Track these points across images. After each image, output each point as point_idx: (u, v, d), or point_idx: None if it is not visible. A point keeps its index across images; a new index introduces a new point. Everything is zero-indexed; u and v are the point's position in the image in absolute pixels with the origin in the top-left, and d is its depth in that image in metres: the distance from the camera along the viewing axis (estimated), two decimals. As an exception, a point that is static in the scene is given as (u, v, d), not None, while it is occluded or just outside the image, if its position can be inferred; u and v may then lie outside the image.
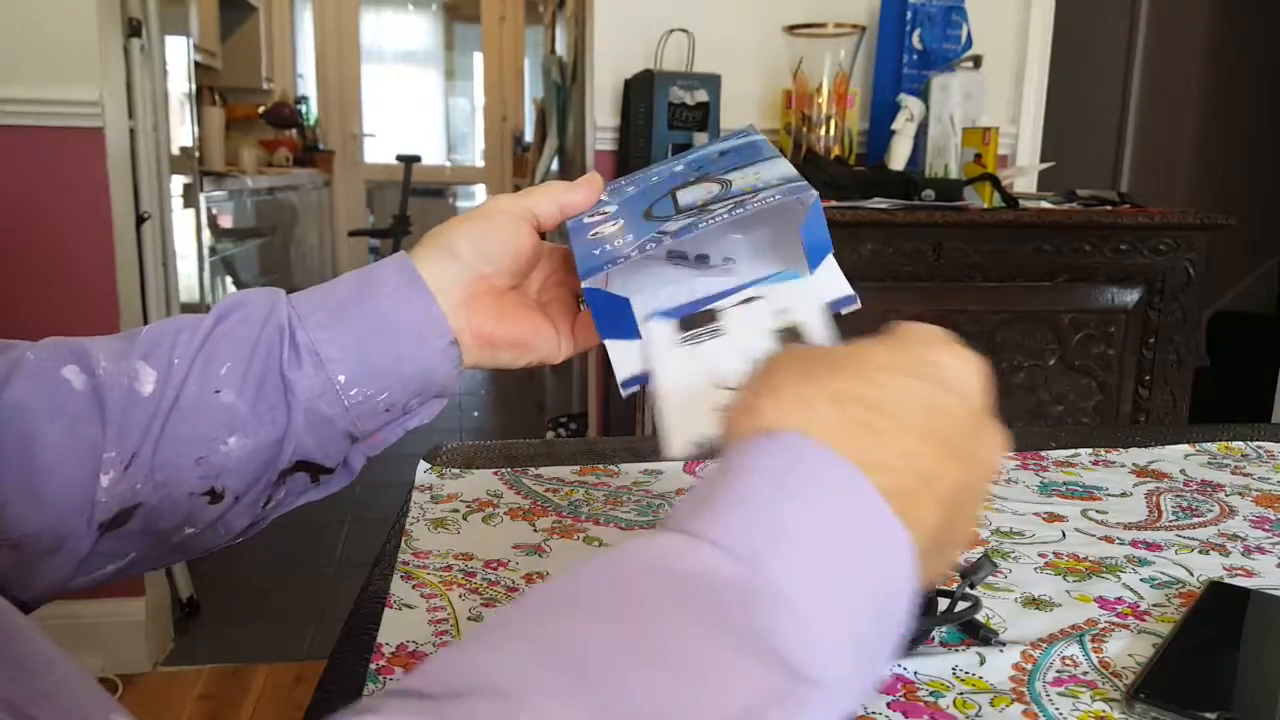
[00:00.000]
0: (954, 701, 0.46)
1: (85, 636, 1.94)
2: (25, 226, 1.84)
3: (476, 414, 4.24)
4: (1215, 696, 0.46)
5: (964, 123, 1.75)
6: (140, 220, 1.98)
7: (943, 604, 0.52)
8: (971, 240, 1.61)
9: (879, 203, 1.60)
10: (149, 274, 2.01)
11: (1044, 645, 0.51)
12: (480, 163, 6.48)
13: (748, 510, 0.30)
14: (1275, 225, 3.55)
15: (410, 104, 6.43)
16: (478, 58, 6.40)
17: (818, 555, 0.29)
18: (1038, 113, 2.19)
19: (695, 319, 0.47)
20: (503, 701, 0.24)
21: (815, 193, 0.45)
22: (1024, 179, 2.04)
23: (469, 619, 0.54)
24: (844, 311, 0.45)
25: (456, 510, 0.71)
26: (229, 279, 3.57)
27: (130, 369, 0.44)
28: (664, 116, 1.86)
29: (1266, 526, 0.70)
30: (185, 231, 2.74)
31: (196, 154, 2.89)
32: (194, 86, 2.90)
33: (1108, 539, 0.67)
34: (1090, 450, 0.88)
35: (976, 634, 0.52)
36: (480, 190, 6.52)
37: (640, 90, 1.92)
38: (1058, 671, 0.49)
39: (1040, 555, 0.64)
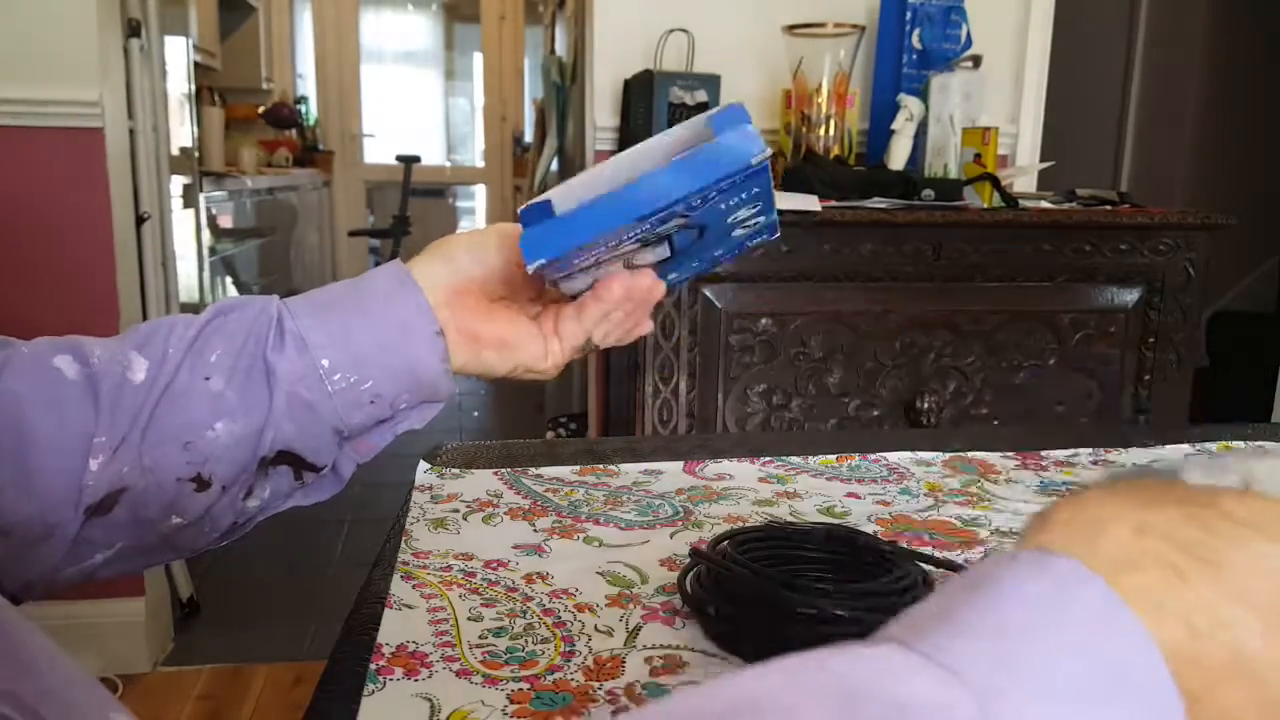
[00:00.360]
0: (953, 701, 0.46)
1: (85, 636, 1.94)
2: (25, 226, 1.84)
3: (476, 414, 4.24)
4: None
5: (964, 123, 1.75)
6: (140, 220, 1.98)
7: None
8: (971, 240, 1.61)
9: (879, 203, 1.61)
10: (149, 274, 2.01)
11: (1043, 645, 0.51)
12: (480, 163, 6.48)
13: (998, 641, 0.24)
14: (1275, 225, 3.55)
15: (410, 104, 6.43)
16: (477, 58, 6.40)
17: (1071, 712, 0.23)
18: (1037, 112, 2.19)
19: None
20: None
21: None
22: (1024, 179, 2.04)
23: (469, 619, 0.54)
24: (754, 161, 0.44)
25: (456, 510, 0.71)
26: (229, 279, 3.57)
27: (124, 358, 0.45)
28: (664, 117, 1.86)
29: (1266, 526, 0.70)
30: (185, 232, 2.74)
31: (196, 154, 2.89)
32: (193, 87, 2.90)
33: (1107, 539, 0.67)
34: (1090, 450, 0.88)
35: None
36: (480, 190, 6.52)
37: (640, 90, 1.92)
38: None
39: (1040, 555, 0.64)
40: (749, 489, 0.77)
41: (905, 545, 0.60)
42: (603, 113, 2.06)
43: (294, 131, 5.42)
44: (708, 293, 1.61)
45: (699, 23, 2.00)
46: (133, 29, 1.92)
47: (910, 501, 0.75)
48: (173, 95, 2.44)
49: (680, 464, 0.82)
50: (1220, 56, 3.56)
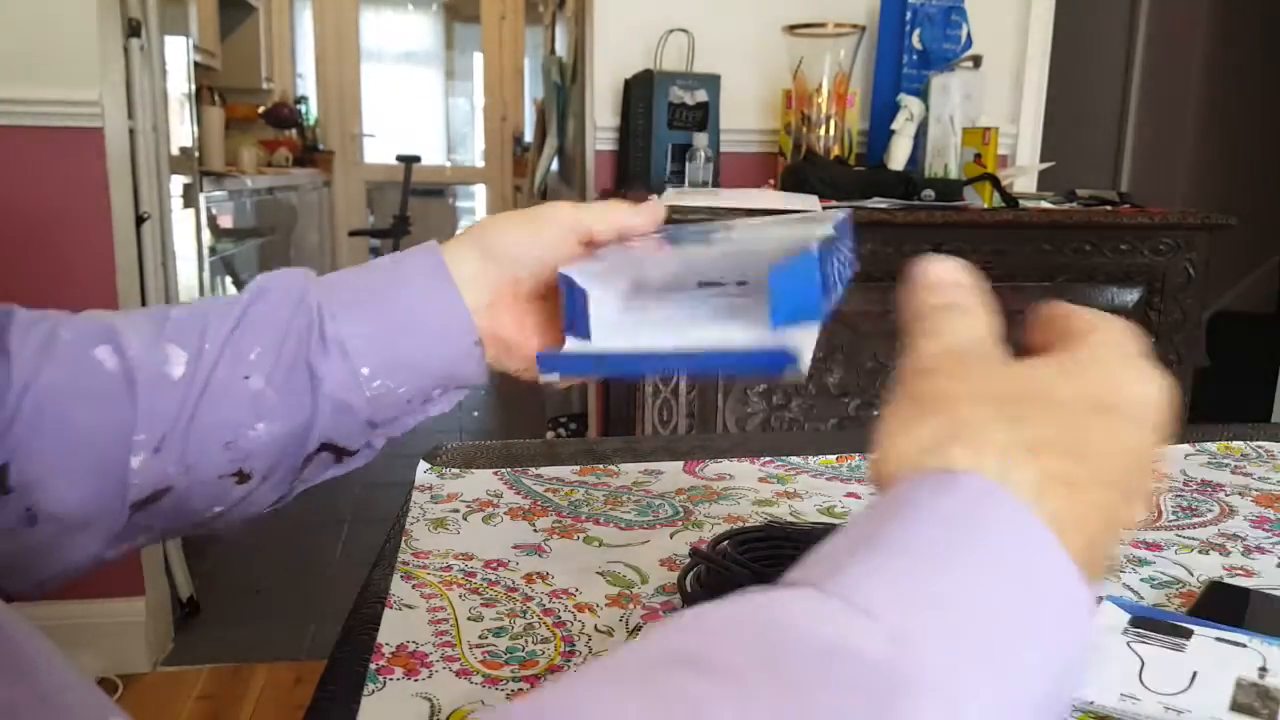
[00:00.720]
0: (954, 702, 0.46)
1: (85, 636, 1.94)
2: (25, 226, 1.84)
3: (476, 414, 4.24)
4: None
5: (964, 123, 1.75)
6: (140, 220, 1.98)
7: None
8: (971, 240, 1.61)
9: (879, 203, 1.60)
10: (148, 274, 2.00)
11: (1044, 645, 0.51)
12: (480, 163, 6.48)
13: (911, 574, 0.25)
14: (1275, 225, 3.55)
15: (410, 104, 6.43)
16: (478, 58, 6.40)
17: (987, 635, 0.25)
18: (1038, 113, 2.19)
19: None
20: None
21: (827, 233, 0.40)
22: (1024, 179, 2.04)
23: (469, 619, 0.54)
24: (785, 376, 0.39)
25: (456, 510, 0.71)
26: (229, 279, 3.57)
27: (160, 352, 0.45)
28: (664, 116, 1.86)
29: (1266, 526, 0.70)
30: (185, 232, 2.74)
31: (196, 154, 2.89)
32: (193, 86, 2.90)
33: (1108, 539, 0.67)
34: (1090, 450, 0.88)
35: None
36: (480, 190, 6.52)
37: (640, 90, 1.92)
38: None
39: (1040, 555, 0.64)
40: (749, 489, 0.77)
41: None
42: (603, 112, 2.06)
43: (294, 131, 5.42)
44: (708, 293, 1.61)
45: (699, 23, 2.00)
46: (133, 29, 1.92)
47: (910, 502, 0.75)
48: (173, 95, 2.44)
49: (680, 464, 0.82)
50: (1220, 56, 3.56)
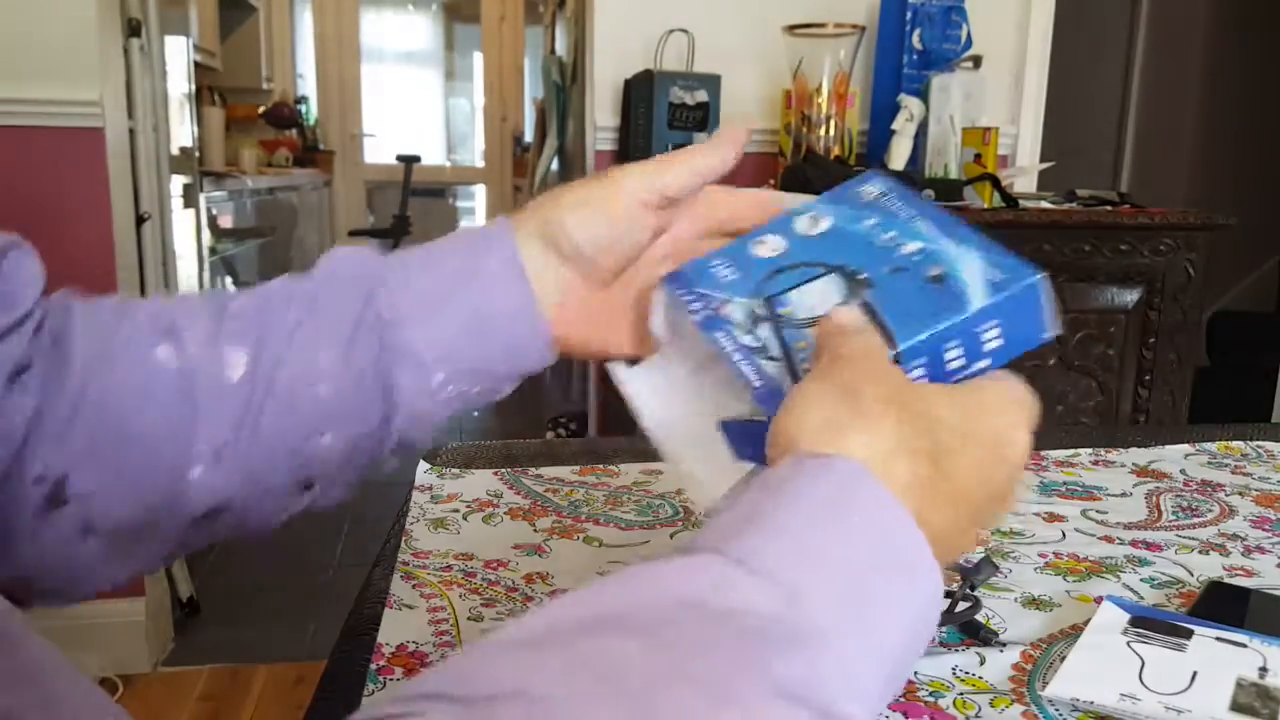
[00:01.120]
0: (954, 702, 0.46)
1: (85, 637, 1.94)
2: (25, 226, 1.83)
3: (476, 414, 4.24)
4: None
5: (964, 123, 1.75)
6: (140, 220, 1.98)
7: (943, 604, 0.52)
8: (971, 240, 1.61)
9: (879, 203, 1.60)
10: (149, 274, 2.00)
11: (1044, 645, 0.51)
12: (480, 163, 6.48)
13: (797, 540, 0.30)
14: (1275, 225, 3.55)
15: (410, 104, 6.43)
16: (477, 58, 6.40)
17: (862, 596, 0.29)
18: (1038, 113, 2.19)
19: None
20: (540, 708, 0.24)
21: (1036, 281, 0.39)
22: (1024, 179, 2.04)
23: (469, 619, 0.54)
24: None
25: (456, 510, 0.71)
26: (229, 279, 3.57)
27: (218, 353, 0.42)
28: (664, 116, 1.86)
29: (1266, 526, 0.70)
30: (185, 232, 2.74)
31: (196, 154, 2.89)
32: (194, 86, 2.90)
33: (1108, 539, 0.67)
34: (1090, 450, 0.88)
35: (977, 634, 0.52)
36: (480, 190, 6.51)
37: (640, 90, 1.92)
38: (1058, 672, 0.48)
39: (1040, 555, 0.64)
40: (749, 489, 0.77)
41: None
42: (603, 113, 2.06)
43: (294, 131, 5.42)
44: (708, 293, 1.61)
45: (699, 23, 2.00)
46: (133, 29, 1.92)
47: (911, 502, 0.75)
48: (173, 95, 2.44)
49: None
50: (1221, 57, 3.56)
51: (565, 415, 2.69)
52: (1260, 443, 0.90)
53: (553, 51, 3.59)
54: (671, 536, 0.67)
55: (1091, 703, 0.44)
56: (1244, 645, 0.47)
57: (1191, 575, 0.61)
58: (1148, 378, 1.73)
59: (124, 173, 1.91)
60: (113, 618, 1.98)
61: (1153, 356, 1.72)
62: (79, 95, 1.80)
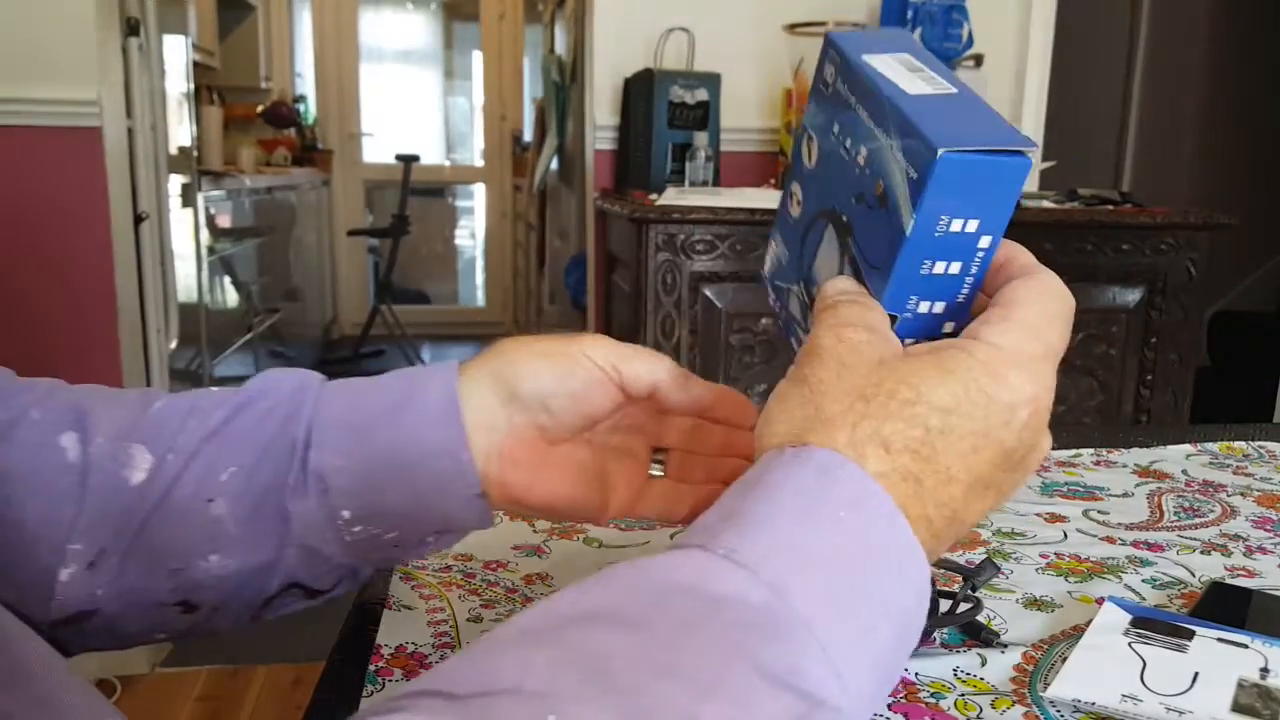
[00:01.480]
0: (955, 703, 0.45)
1: (84, 636, 1.94)
2: (23, 226, 1.84)
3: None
4: (1219, 698, 0.46)
5: (964, 122, 1.75)
6: (138, 220, 1.97)
7: (944, 605, 0.52)
8: (972, 240, 1.61)
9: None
10: (147, 274, 2.00)
11: (1045, 646, 0.51)
12: (479, 162, 6.48)
13: (779, 533, 0.30)
14: (1276, 225, 3.55)
15: (409, 103, 6.43)
16: (477, 57, 6.39)
17: (847, 586, 0.29)
18: (1039, 112, 2.19)
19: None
20: (531, 703, 0.24)
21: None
22: (1024, 178, 2.04)
23: (468, 620, 0.54)
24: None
25: (456, 511, 0.71)
26: (227, 279, 3.57)
27: (125, 451, 0.40)
28: (664, 116, 1.85)
29: (1268, 527, 0.69)
30: (183, 231, 2.74)
31: (195, 153, 2.88)
32: (192, 86, 2.89)
33: (1109, 539, 0.67)
34: (1092, 451, 0.88)
35: (978, 635, 0.51)
36: (479, 190, 6.51)
37: (640, 89, 1.92)
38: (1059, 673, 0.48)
39: (1042, 556, 0.63)
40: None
41: (907, 546, 0.60)
42: (603, 112, 2.06)
43: (293, 131, 5.41)
44: (708, 293, 1.61)
45: (699, 21, 1.99)
46: (131, 28, 1.92)
47: (911, 502, 0.74)
48: (171, 94, 2.43)
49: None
50: (1223, 56, 3.56)
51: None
52: (1262, 443, 0.90)
53: (552, 50, 3.59)
54: (671, 537, 0.67)
55: (1093, 704, 0.43)
56: (1245, 646, 0.47)
57: (1193, 576, 0.61)
58: (1149, 378, 1.73)
59: (122, 172, 1.91)
60: (112, 617, 1.98)
61: (1154, 356, 1.72)
62: (77, 94, 1.80)
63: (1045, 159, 2.18)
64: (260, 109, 5.21)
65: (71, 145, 1.82)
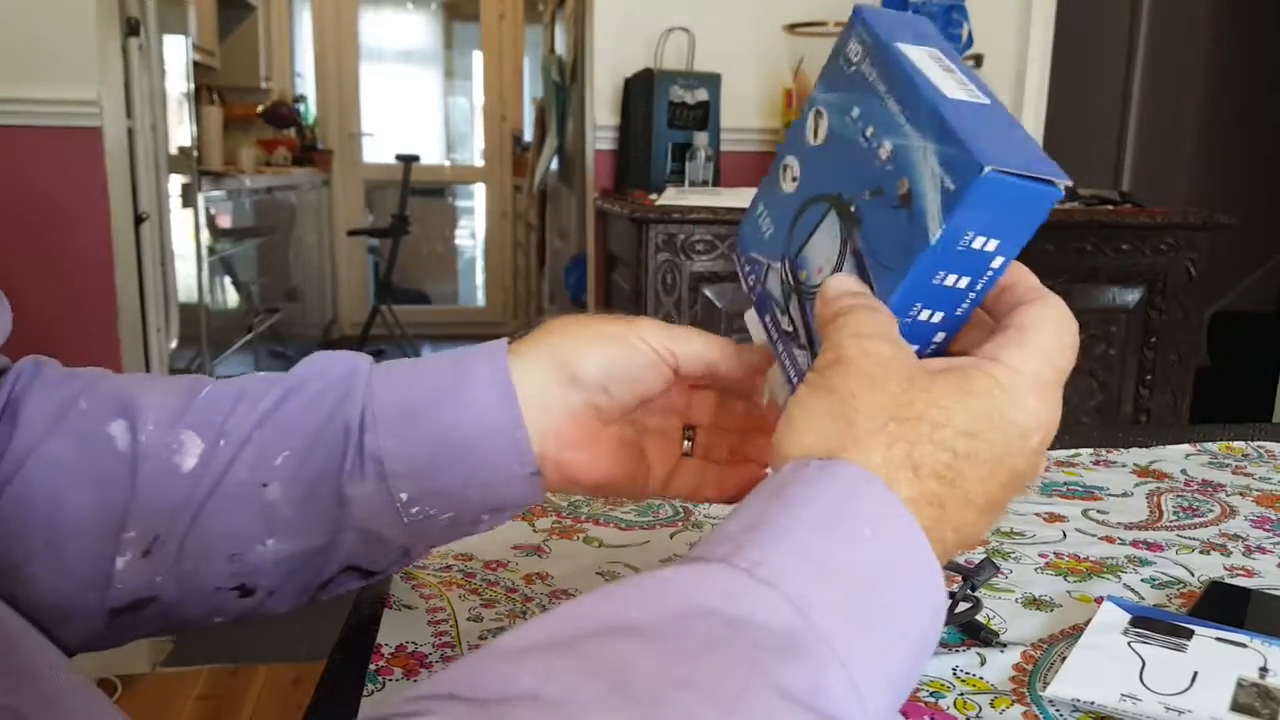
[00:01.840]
0: (954, 702, 0.45)
1: (84, 636, 1.94)
2: (23, 226, 1.84)
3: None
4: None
5: (964, 122, 1.75)
6: (138, 220, 1.98)
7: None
8: (971, 240, 1.61)
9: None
10: (147, 274, 2.00)
11: (1044, 646, 0.51)
12: (480, 162, 6.48)
13: (803, 546, 0.29)
14: (1275, 225, 3.55)
15: (409, 103, 6.42)
16: (477, 56, 6.39)
17: (868, 604, 0.29)
18: (1038, 112, 2.19)
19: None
20: (550, 711, 0.24)
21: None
22: (1024, 178, 2.04)
23: (468, 620, 0.54)
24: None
25: (456, 510, 0.71)
26: (227, 279, 3.57)
27: (175, 438, 0.40)
28: (664, 116, 1.85)
29: (1267, 526, 0.70)
30: (183, 231, 2.74)
31: (195, 153, 2.89)
32: (192, 86, 2.89)
33: (1108, 539, 0.67)
34: (1091, 450, 0.88)
35: (977, 635, 0.51)
36: (480, 189, 6.51)
37: (640, 89, 1.92)
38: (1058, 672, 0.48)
39: (1041, 555, 0.63)
40: (749, 489, 0.76)
41: (906, 546, 0.60)
42: (603, 111, 2.06)
43: (293, 131, 5.41)
44: (708, 293, 1.61)
45: (699, 21, 2.00)
46: (131, 28, 1.92)
47: (911, 502, 0.75)
48: (171, 94, 2.43)
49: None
50: (1223, 56, 3.56)
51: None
52: (1261, 443, 0.90)
53: (552, 50, 3.59)
54: (671, 537, 0.67)
55: (1092, 703, 0.43)
56: (1244, 645, 0.47)
57: (1192, 575, 0.61)
58: (1149, 377, 1.73)
59: (122, 172, 1.91)
60: (112, 617, 1.98)
61: (1154, 356, 1.72)
62: (77, 94, 1.80)
63: (1045, 159, 2.18)
64: (260, 109, 5.21)
65: (72, 145, 1.82)
